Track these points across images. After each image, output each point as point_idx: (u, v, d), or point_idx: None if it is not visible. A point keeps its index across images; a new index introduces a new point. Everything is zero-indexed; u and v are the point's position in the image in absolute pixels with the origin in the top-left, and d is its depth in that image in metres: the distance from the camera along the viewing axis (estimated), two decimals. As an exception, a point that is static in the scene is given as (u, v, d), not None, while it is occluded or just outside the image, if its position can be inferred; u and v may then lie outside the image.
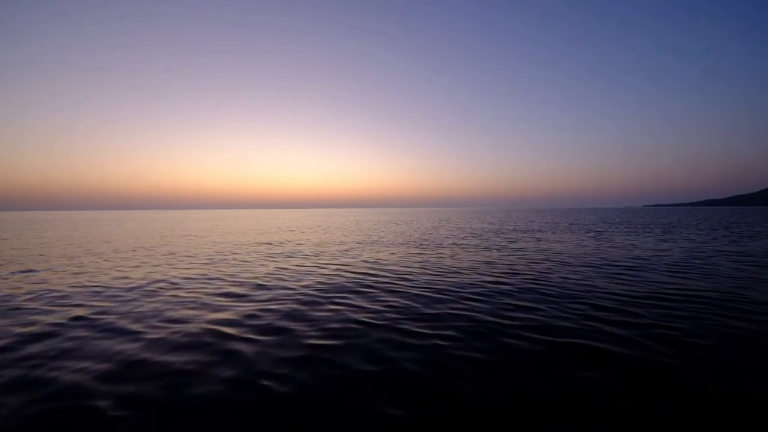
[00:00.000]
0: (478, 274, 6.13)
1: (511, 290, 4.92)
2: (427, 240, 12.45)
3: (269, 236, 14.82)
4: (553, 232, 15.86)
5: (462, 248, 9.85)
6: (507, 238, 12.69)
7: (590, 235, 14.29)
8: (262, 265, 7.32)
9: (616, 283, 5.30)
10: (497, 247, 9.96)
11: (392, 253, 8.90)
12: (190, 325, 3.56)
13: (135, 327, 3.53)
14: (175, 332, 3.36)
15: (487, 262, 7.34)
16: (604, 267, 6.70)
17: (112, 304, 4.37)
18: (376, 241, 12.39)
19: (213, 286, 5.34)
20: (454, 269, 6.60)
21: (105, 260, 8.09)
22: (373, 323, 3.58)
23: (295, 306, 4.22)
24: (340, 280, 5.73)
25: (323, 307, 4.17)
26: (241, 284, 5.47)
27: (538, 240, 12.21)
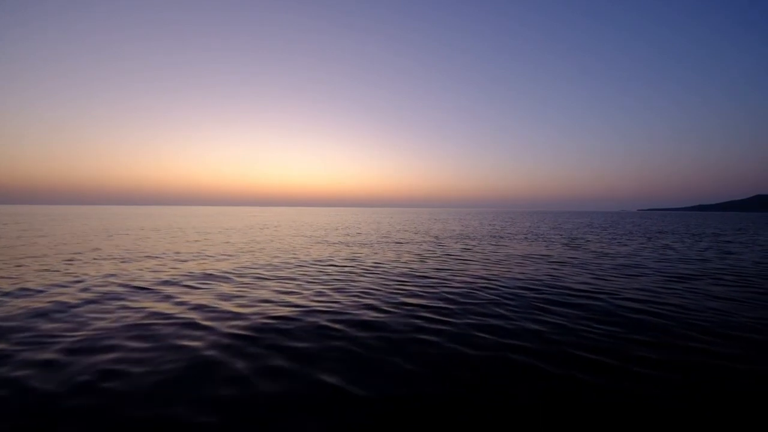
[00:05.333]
0: (347, 306, 4.35)
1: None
2: (365, 245, 10.66)
3: (174, 244, 12.93)
4: (524, 237, 14.14)
5: (397, 255, 8.08)
6: (464, 246, 10.92)
7: (564, 242, 12.56)
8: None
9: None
10: (434, 258, 8.20)
11: (295, 264, 7.11)
12: None
13: None
14: None
15: (397, 282, 5.56)
16: (531, 310, 4.93)
17: None
18: (306, 245, 10.58)
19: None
20: (318, 304, 4.81)
21: None
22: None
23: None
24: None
25: None
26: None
27: (497, 247, 10.47)
